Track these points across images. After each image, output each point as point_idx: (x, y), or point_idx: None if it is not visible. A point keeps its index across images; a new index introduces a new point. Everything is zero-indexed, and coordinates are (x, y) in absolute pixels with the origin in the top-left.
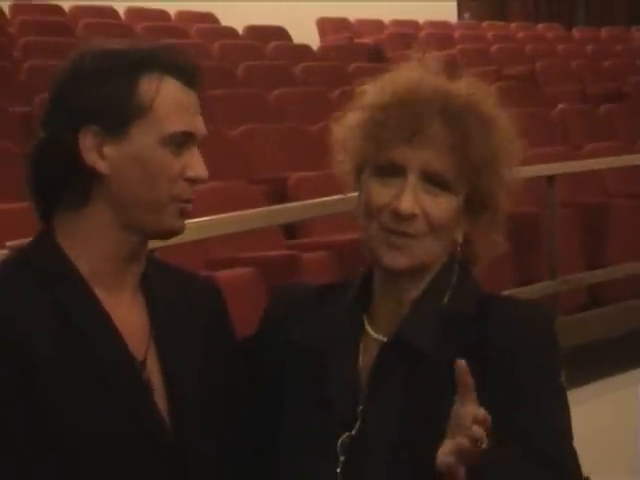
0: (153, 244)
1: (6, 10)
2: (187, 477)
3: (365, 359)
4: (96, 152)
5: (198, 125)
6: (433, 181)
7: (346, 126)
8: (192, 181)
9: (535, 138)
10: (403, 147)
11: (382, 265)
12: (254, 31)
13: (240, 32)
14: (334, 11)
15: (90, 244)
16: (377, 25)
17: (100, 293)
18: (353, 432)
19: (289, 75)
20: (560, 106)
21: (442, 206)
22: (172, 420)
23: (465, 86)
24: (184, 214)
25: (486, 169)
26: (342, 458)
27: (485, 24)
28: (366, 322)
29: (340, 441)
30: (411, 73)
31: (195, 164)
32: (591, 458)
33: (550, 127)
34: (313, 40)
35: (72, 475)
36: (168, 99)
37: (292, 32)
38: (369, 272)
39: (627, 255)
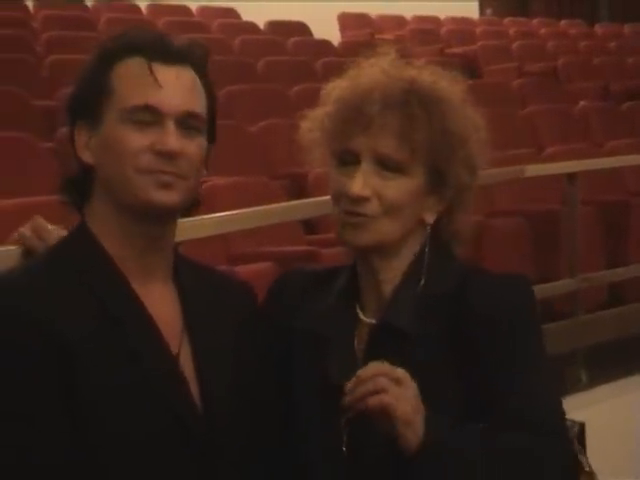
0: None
1: (30, 5)
2: (216, 469)
3: (359, 341)
4: (84, 144)
5: (165, 100)
6: (385, 165)
7: (311, 121)
8: (162, 154)
9: (556, 135)
10: (358, 136)
11: (345, 244)
12: (275, 26)
13: (261, 27)
14: (355, 7)
15: (106, 229)
16: (398, 21)
17: (132, 282)
18: (353, 411)
19: (310, 70)
20: (582, 103)
21: (394, 188)
22: (204, 413)
23: (427, 75)
24: (163, 186)
25: (440, 153)
26: (345, 434)
27: (507, 20)
28: (357, 306)
29: (343, 421)
30: (374, 67)
31: (163, 137)
32: (611, 456)
33: (571, 124)
34: (334, 36)
35: (109, 461)
36: (128, 76)
37: (313, 27)
38: (355, 259)
39: None
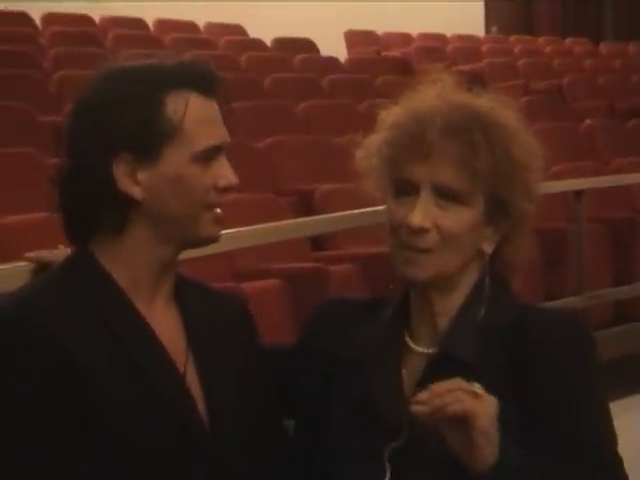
0: (181, 256)
1: (37, 21)
2: (216, 467)
3: (408, 371)
4: (130, 179)
5: (224, 135)
6: (446, 195)
7: (366, 148)
8: (224, 189)
9: (562, 153)
10: (417, 165)
11: (404, 279)
12: (282, 43)
13: (268, 44)
14: (362, 24)
15: (131, 261)
16: (404, 38)
17: (138, 304)
18: (400, 441)
19: (316, 87)
20: (587, 121)
21: (454, 219)
22: (211, 431)
23: (485, 101)
24: (218, 221)
25: (502, 181)
26: (389, 468)
27: (512, 38)
28: (407, 336)
29: (387, 452)
30: (429, 92)
31: (225, 173)
32: None
33: (578, 142)
34: (341, 53)
35: (118, 475)
36: (195, 116)
37: (320, 44)
38: (406, 289)
39: None
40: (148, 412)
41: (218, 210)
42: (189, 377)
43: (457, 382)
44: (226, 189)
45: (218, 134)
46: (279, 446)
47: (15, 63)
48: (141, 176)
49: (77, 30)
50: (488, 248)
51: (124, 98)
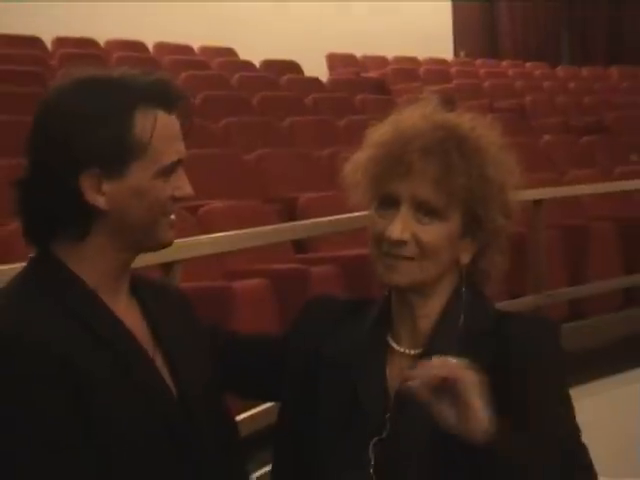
0: (173, 258)
1: (48, 44)
2: (200, 457)
3: (391, 370)
4: (95, 190)
5: (183, 150)
6: (424, 209)
7: (353, 163)
8: (180, 200)
9: (523, 166)
10: (398, 181)
11: (384, 283)
12: (269, 65)
13: (257, 65)
14: (342, 47)
15: (91, 265)
16: (381, 61)
17: (106, 301)
18: (383, 435)
19: (301, 105)
20: (546, 137)
21: (431, 232)
22: (184, 411)
23: (467, 121)
24: (172, 226)
25: (477, 199)
26: (373, 460)
27: (479, 61)
28: (389, 337)
29: (371, 444)
30: (414, 111)
31: (183, 185)
32: None
33: (537, 156)
34: (323, 73)
35: (116, 458)
36: (161, 133)
37: (304, 66)
38: (389, 292)
39: (606, 272)
40: (131, 395)
41: (172, 217)
42: (157, 361)
43: (443, 358)
44: (181, 199)
45: (180, 149)
46: (227, 411)
47: (25, 82)
48: (106, 188)
49: (84, 52)
50: (465, 258)
51: (95, 114)
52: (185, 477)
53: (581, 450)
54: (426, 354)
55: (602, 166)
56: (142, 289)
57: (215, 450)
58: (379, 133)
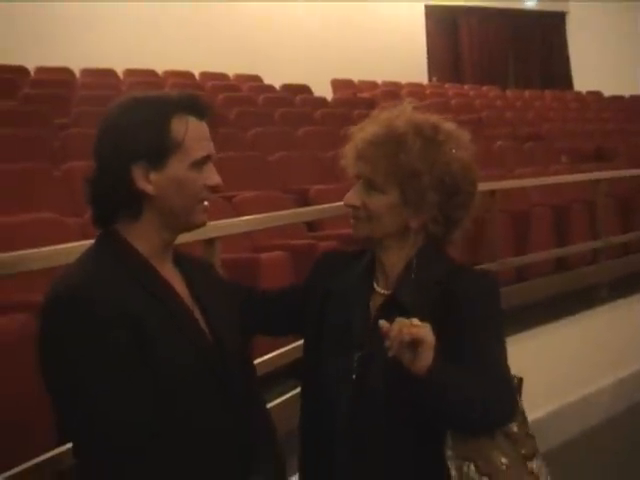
0: (214, 235)
1: (77, 72)
2: (229, 379)
3: (373, 304)
4: (144, 179)
5: (212, 147)
6: (370, 184)
7: (344, 153)
8: (212, 188)
9: (482, 165)
10: (358, 163)
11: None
12: (287, 87)
13: (277, 88)
14: (343, 74)
15: (145, 240)
16: (373, 84)
17: (157, 268)
18: (364, 351)
19: (311, 118)
20: (498, 143)
21: (374, 201)
22: (217, 348)
23: (432, 118)
24: (206, 211)
25: (405, 178)
26: (356, 367)
27: (447, 85)
28: (375, 280)
29: (356, 357)
30: (388, 114)
31: (212, 176)
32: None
33: (491, 157)
34: (328, 94)
35: (168, 385)
36: (192, 134)
37: (313, 88)
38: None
39: (543, 245)
40: (178, 339)
41: (206, 203)
42: (196, 314)
43: (402, 321)
44: (214, 187)
45: (209, 147)
46: (250, 354)
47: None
48: (152, 177)
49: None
50: (414, 224)
51: (142, 121)
52: (221, 405)
53: (504, 373)
54: (391, 296)
55: (540, 165)
56: (182, 261)
57: (241, 383)
58: (358, 130)
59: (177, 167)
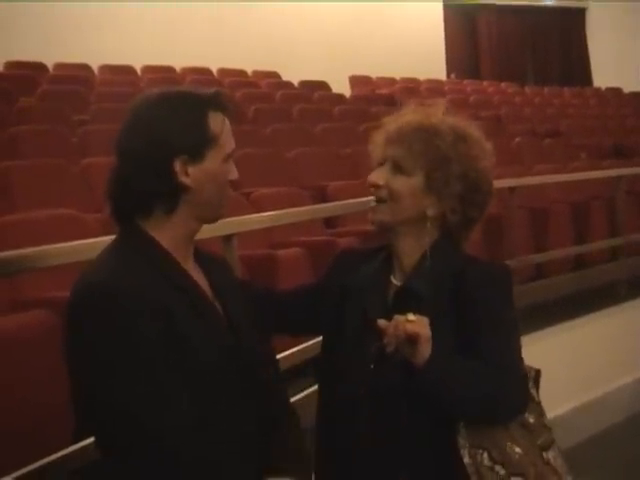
0: (231, 231)
1: (95, 69)
2: (249, 368)
3: (390, 297)
4: (184, 172)
5: (234, 143)
6: (397, 167)
7: (372, 139)
8: (232, 182)
9: (500, 161)
10: (386, 148)
11: (371, 224)
12: (305, 84)
13: (295, 85)
14: (361, 70)
15: (174, 232)
16: (391, 81)
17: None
18: (381, 342)
19: (329, 115)
20: (517, 139)
21: (398, 182)
22: (235, 339)
23: (459, 120)
24: (227, 204)
25: (437, 165)
26: (374, 355)
27: (465, 81)
28: (392, 273)
29: (373, 347)
30: (413, 114)
31: (233, 170)
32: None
33: (510, 154)
34: (346, 90)
35: (197, 374)
36: (225, 130)
37: (332, 85)
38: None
39: (561, 243)
40: (203, 329)
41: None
42: (217, 307)
43: (398, 318)
44: (233, 182)
45: (233, 143)
46: (269, 344)
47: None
48: (191, 170)
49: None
50: (430, 212)
51: (180, 117)
52: (242, 393)
53: (515, 365)
54: (405, 285)
55: (559, 162)
56: (201, 257)
57: (262, 380)
58: (386, 122)
59: (214, 161)
